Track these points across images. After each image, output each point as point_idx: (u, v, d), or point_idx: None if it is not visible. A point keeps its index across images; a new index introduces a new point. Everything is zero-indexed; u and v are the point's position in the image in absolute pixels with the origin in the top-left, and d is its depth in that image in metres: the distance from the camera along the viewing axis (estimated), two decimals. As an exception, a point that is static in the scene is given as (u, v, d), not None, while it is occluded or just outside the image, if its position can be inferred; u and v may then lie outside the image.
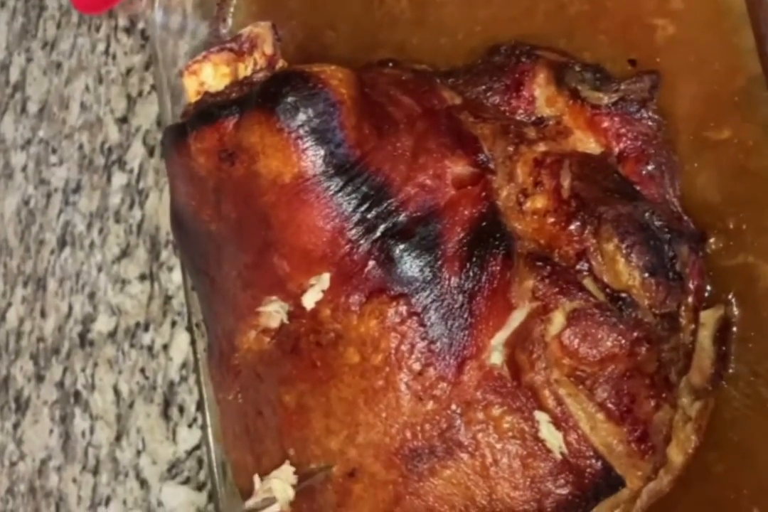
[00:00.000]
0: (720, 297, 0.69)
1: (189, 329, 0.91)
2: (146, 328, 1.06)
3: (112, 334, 1.09)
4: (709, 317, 0.67)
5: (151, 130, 1.05)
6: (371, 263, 0.65)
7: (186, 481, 1.02)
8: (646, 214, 0.63)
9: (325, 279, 0.66)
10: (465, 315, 0.63)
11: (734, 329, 0.69)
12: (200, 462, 1.01)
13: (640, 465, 0.61)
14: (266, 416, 0.71)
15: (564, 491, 0.61)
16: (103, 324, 1.10)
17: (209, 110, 0.68)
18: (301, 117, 0.65)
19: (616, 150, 0.68)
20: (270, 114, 0.65)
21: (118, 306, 1.09)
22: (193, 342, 0.85)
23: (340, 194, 0.65)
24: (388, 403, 0.64)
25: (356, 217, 0.65)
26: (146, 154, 1.06)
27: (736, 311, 0.69)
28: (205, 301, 0.78)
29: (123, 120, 1.09)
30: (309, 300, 0.67)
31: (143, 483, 1.05)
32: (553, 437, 0.61)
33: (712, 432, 0.70)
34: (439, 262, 0.64)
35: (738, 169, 0.69)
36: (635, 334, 0.60)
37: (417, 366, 0.64)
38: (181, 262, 0.86)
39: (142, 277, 1.06)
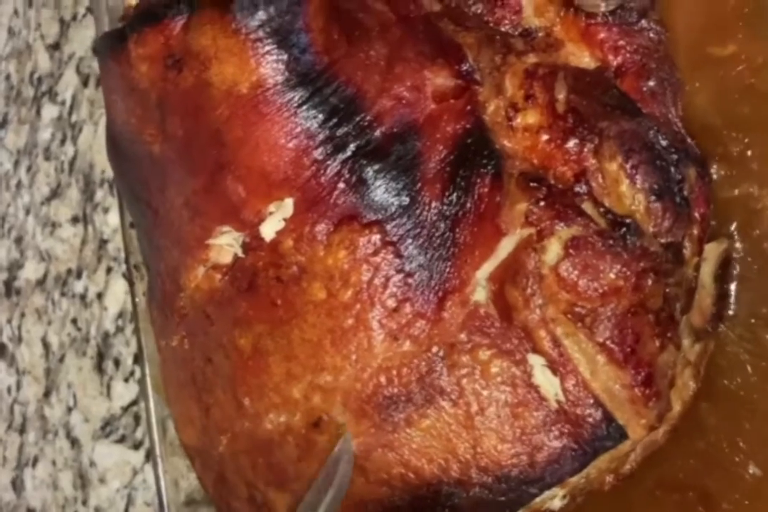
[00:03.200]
0: (720, 232, 0.61)
1: (126, 275, 0.81)
2: (78, 275, 0.95)
3: (40, 282, 0.98)
4: (711, 251, 0.59)
5: (86, 57, 0.94)
6: (340, 186, 0.56)
7: (121, 440, 0.92)
8: (651, 132, 0.55)
9: (287, 206, 0.57)
10: (447, 245, 0.54)
11: (735, 267, 0.62)
12: (137, 418, 0.91)
13: (644, 412, 0.52)
14: (217, 363, 0.61)
15: (559, 443, 0.53)
16: (30, 271, 0.99)
17: (152, 9, 0.58)
18: (261, 16, 0.56)
19: (614, 64, 0.59)
20: (224, 12, 0.56)
21: (47, 251, 0.97)
22: (131, 285, 0.75)
23: (304, 107, 0.56)
24: (359, 344, 0.55)
25: (323, 134, 0.56)
26: (80, 84, 0.95)
27: (737, 246, 0.61)
28: (146, 237, 0.68)
29: (55, 47, 0.97)
30: (268, 230, 0.58)
31: (74, 442, 0.95)
32: (548, 383, 0.52)
33: (705, 380, 0.62)
34: (418, 185, 0.55)
35: (744, 89, 0.60)
36: (641, 265, 0.52)
37: (392, 303, 0.55)
38: (118, 198, 0.75)
39: (75, 220, 0.95)
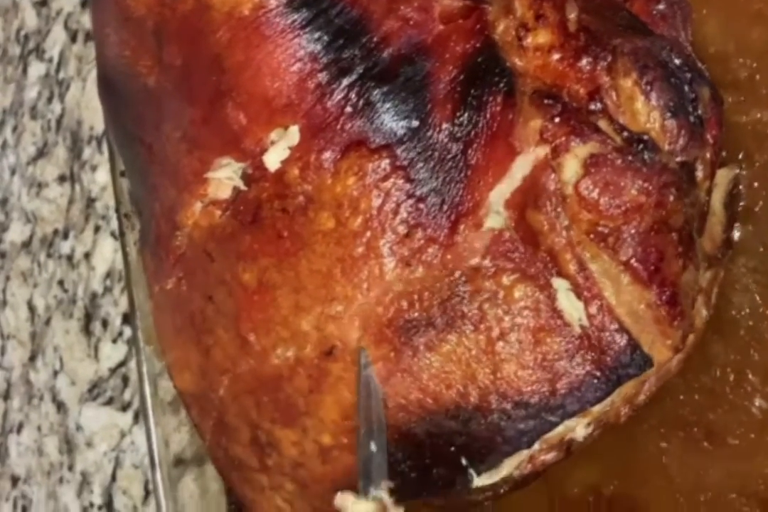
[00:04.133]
0: (729, 159, 0.59)
1: (116, 234, 0.76)
2: (65, 236, 0.91)
3: (26, 244, 0.93)
4: (722, 177, 0.56)
5: (75, 12, 0.89)
6: (347, 111, 0.53)
7: (109, 402, 0.88)
8: (664, 52, 0.52)
9: (292, 133, 0.54)
10: (459, 166, 0.51)
11: (742, 194, 0.59)
12: (125, 380, 0.87)
13: (669, 332, 0.49)
14: (218, 301, 0.58)
15: (581, 370, 0.49)
16: (16, 233, 0.94)
17: (149, -69, 0.54)
18: (263, -67, 0.52)
19: (623, -13, 0.56)
20: (225, -71, 0.52)
21: (33, 212, 0.93)
22: (122, 235, 0.71)
23: (308, 29, 0.53)
24: (370, 272, 0.52)
25: (329, 57, 0.53)
26: (68, 40, 0.90)
27: (745, 173, 0.59)
28: (140, 178, 0.64)
29: (42, 3, 0.93)
30: (272, 159, 0.55)
31: (60, 406, 0.91)
32: (573, 307, 0.49)
33: (714, 312, 0.59)
34: (428, 106, 0.52)
35: (753, 15, 0.58)
36: (662, 179, 0.49)
37: (403, 229, 0.52)
38: (108, 148, 0.71)
39: (62, 179, 0.91)
